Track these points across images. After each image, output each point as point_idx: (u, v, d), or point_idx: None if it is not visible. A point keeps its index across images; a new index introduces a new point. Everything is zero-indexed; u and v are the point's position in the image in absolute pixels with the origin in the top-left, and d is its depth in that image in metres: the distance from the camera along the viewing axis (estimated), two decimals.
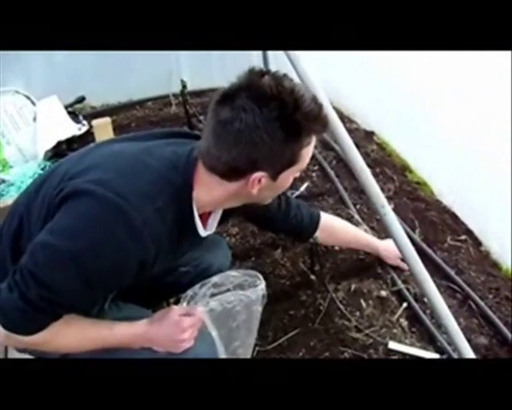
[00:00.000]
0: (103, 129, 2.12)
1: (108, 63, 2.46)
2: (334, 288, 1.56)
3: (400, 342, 1.39)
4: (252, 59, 2.13)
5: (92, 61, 2.41)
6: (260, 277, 1.03)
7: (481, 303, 1.50)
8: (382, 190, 1.16)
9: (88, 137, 2.27)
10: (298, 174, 0.92)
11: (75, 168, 0.87)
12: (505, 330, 1.41)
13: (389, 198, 1.90)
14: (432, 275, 1.14)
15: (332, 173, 2.09)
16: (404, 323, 1.46)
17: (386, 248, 1.56)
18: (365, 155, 2.13)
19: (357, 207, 1.92)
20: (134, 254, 0.81)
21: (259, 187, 0.86)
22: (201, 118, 2.50)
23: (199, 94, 2.76)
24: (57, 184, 0.86)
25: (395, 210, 1.77)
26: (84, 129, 2.34)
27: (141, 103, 2.75)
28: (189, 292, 0.99)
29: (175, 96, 2.69)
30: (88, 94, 2.55)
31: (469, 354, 1.13)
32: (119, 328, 0.94)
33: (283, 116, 0.79)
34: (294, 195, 1.93)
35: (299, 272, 1.62)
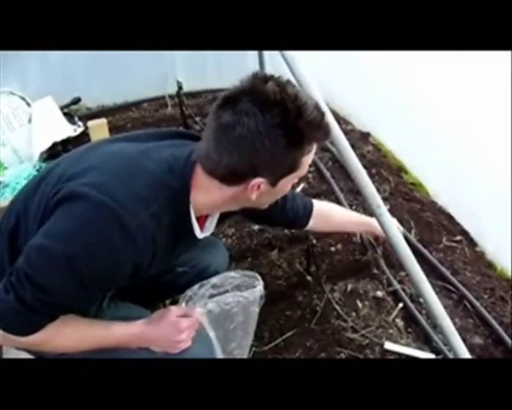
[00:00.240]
0: (99, 130, 2.11)
1: (104, 64, 2.46)
2: (330, 288, 1.56)
3: (396, 342, 1.39)
4: (247, 61, 2.14)
5: (88, 62, 2.41)
6: (259, 278, 1.03)
7: (477, 303, 1.51)
8: (378, 190, 1.16)
9: (83, 138, 2.26)
10: (296, 180, 0.92)
11: (73, 169, 0.87)
12: (500, 330, 1.42)
13: (385, 199, 1.91)
14: (427, 275, 1.14)
15: (328, 174, 2.09)
16: (400, 323, 1.47)
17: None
18: (361, 156, 2.14)
19: (353, 207, 1.92)
20: (129, 257, 0.81)
21: (258, 193, 0.86)
22: (197, 119, 2.50)
23: (194, 95, 2.76)
24: (54, 185, 0.86)
25: (391, 211, 1.77)
26: (80, 130, 2.33)
27: (136, 105, 2.75)
28: (189, 292, 0.99)
29: (171, 97, 2.69)
30: (83, 95, 2.54)
31: (465, 354, 1.13)
32: (116, 328, 0.94)
33: (286, 123, 0.78)
34: None
35: (295, 273, 1.63)
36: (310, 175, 2.11)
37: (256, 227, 1.81)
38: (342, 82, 2.40)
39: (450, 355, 1.30)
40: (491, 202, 1.68)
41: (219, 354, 1.01)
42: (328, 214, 1.45)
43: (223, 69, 2.60)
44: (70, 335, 0.90)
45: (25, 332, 0.83)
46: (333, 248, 1.71)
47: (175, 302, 1.16)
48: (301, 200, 1.35)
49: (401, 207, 1.92)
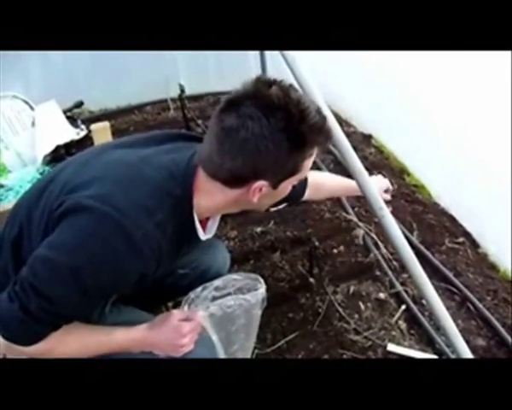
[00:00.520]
0: (102, 133, 2.12)
1: (107, 68, 2.47)
2: (332, 290, 1.56)
3: (399, 344, 1.39)
4: (249, 63, 2.15)
5: (91, 65, 2.42)
6: (261, 280, 1.03)
7: (479, 305, 1.51)
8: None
9: (86, 141, 2.28)
10: (296, 183, 0.93)
11: (76, 179, 0.87)
12: (503, 331, 1.42)
13: (387, 201, 1.90)
14: (430, 277, 1.14)
15: None
16: (403, 325, 1.47)
17: None
18: (363, 159, 2.13)
19: (356, 209, 1.92)
20: (134, 267, 0.82)
21: (260, 195, 0.86)
22: (199, 122, 2.50)
23: (196, 98, 2.77)
24: (58, 195, 0.86)
25: (393, 213, 1.76)
26: (83, 134, 2.34)
27: (139, 108, 2.76)
28: (191, 295, 0.99)
29: (173, 100, 2.70)
30: (86, 99, 2.56)
31: (468, 355, 1.13)
32: (118, 333, 0.94)
33: (289, 127, 0.79)
34: None
35: (297, 275, 1.63)
36: None
37: (258, 229, 1.81)
38: (343, 83, 2.40)
39: (453, 357, 1.30)
40: (493, 204, 1.68)
41: (222, 357, 1.01)
42: (320, 182, 1.42)
43: (224, 71, 2.60)
44: (73, 343, 0.90)
45: (28, 342, 0.84)
46: (335, 250, 1.71)
47: (178, 305, 1.16)
48: None
49: (403, 209, 1.93)
